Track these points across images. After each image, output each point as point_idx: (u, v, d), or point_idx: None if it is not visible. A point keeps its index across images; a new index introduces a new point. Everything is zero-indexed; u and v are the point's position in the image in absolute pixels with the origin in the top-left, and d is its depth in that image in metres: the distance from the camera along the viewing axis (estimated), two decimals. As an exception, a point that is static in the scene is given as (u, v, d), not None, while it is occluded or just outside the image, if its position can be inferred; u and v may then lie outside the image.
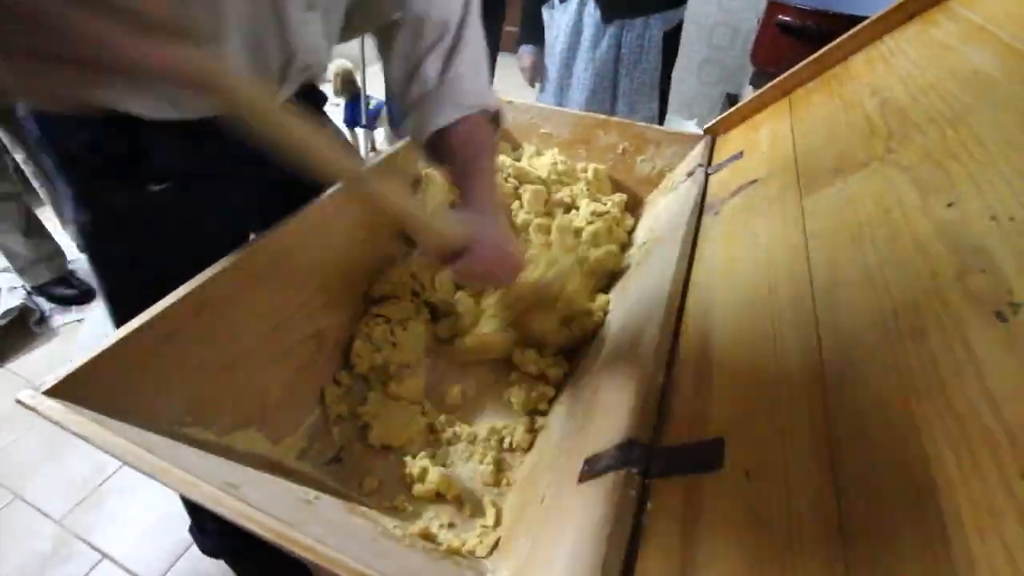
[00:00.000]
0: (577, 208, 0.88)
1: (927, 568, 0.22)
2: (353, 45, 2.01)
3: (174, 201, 0.60)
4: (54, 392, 0.41)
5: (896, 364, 0.31)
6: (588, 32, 1.39)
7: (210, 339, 0.52)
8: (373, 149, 2.38)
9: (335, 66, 2.16)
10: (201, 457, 0.45)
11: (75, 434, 0.38)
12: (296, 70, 0.57)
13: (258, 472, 0.48)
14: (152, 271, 0.53)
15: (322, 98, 0.72)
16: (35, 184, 1.63)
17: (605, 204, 0.88)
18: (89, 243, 0.62)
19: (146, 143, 0.55)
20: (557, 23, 1.46)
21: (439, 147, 0.61)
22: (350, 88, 2.21)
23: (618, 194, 0.93)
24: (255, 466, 0.50)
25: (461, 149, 0.60)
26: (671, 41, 1.44)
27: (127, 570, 1.03)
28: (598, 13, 1.35)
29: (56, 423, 0.39)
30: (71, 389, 0.42)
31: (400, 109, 0.64)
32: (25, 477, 1.18)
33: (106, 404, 0.42)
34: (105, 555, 1.05)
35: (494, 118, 0.65)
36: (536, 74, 1.62)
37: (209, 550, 0.92)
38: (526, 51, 1.60)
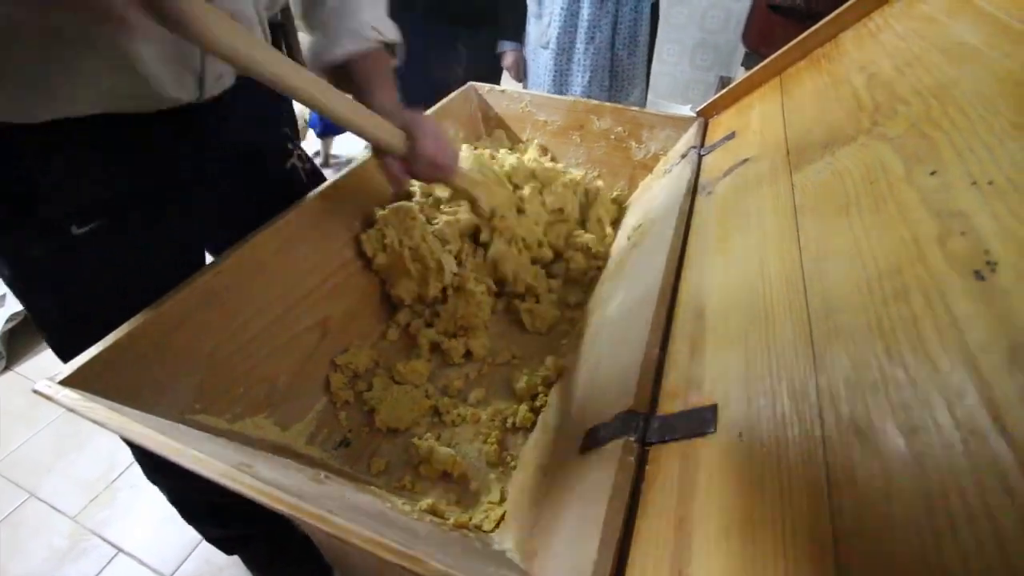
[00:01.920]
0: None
1: (916, 522, 0.23)
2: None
3: (103, 245, 0.51)
4: (69, 382, 0.42)
5: (880, 324, 0.32)
6: (586, 12, 1.38)
7: (218, 328, 0.53)
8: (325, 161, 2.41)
9: None
10: (213, 441, 0.47)
11: (91, 420, 0.40)
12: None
13: (269, 455, 0.49)
14: (98, 325, 0.45)
15: None
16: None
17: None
18: (18, 297, 0.54)
19: (35, 170, 0.45)
20: (549, 9, 1.45)
21: (341, 76, 0.61)
22: None
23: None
24: (265, 451, 0.51)
25: (363, 83, 0.61)
26: (655, 12, 1.47)
27: (142, 563, 1.05)
28: None
29: (72, 411, 0.40)
30: (85, 378, 0.43)
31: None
32: (39, 475, 1.20)
33: (119, 392, 0.44)
34: (120, 549, 1.07)
35: (391, 48, 0.65)
36: (521, 72, 1.59)
37: (211, 537, 0.92)
38: (509, 48, 1.54)
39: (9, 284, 0.53)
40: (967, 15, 0.52)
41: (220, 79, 0.55)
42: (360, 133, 0.56)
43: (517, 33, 1.53)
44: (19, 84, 0.42)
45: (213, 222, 0.62)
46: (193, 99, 0.52)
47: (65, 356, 0.51)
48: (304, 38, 0.67)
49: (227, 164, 0.58)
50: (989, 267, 0.29)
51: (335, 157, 2.46)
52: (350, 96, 0.57)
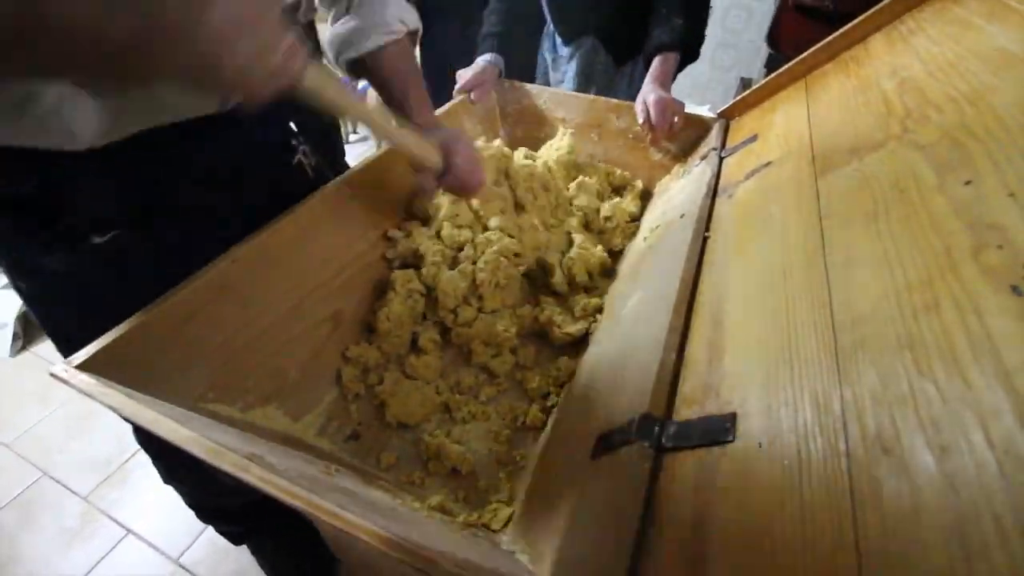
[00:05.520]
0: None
1: (946, 536, 0.22)
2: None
3: (123, 255, 0.50)
4: (85, 366, 0.42)
5: (909, 338, 0.31)
6: (600, 80, 1.18)
7: (231, 319, 0.53)
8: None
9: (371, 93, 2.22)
10: (225, 430, 0.47)
11: (106, 405, 0.40)
12: None
13: (280, 446, 0.49)
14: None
15: None
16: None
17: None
18: (33, 310, 0.53)
19: (62, 181, 0.45)
20: (563, 71, 1.25)
21: (367, 69, 0.65)
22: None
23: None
24: (276, 442, 0.51)
25: (393, 73, 0.64)
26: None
27: (151, 545, 1.06)
28: (609, 58, 1.16)
29: (88, 395, 0.41)
30: (101, 364, 0.43)
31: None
32: (52, 455, 1.22)
33: (134, 379, 0.44)
34: (130, 531, 1.09)
35: (412, 34, 0.67)
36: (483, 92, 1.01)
37: (220, 531, 0.93)
38: (486, 62, 1.01)
39: (26, 298, 0.53)
40: (1007, 21, 0.50)
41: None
42: (405, 151, 0.59)
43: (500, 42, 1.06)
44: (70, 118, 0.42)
45: (223, 222, 0.59)
46: (212, 112, 0.52)
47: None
48: (322, 30, 0.68)
49: (236, 164, 0.57)
50: (1027, 282, 0.28)
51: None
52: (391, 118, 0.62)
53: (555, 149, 0.93)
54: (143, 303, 0.47)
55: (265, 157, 0.60)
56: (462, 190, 0.66)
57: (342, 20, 0.64)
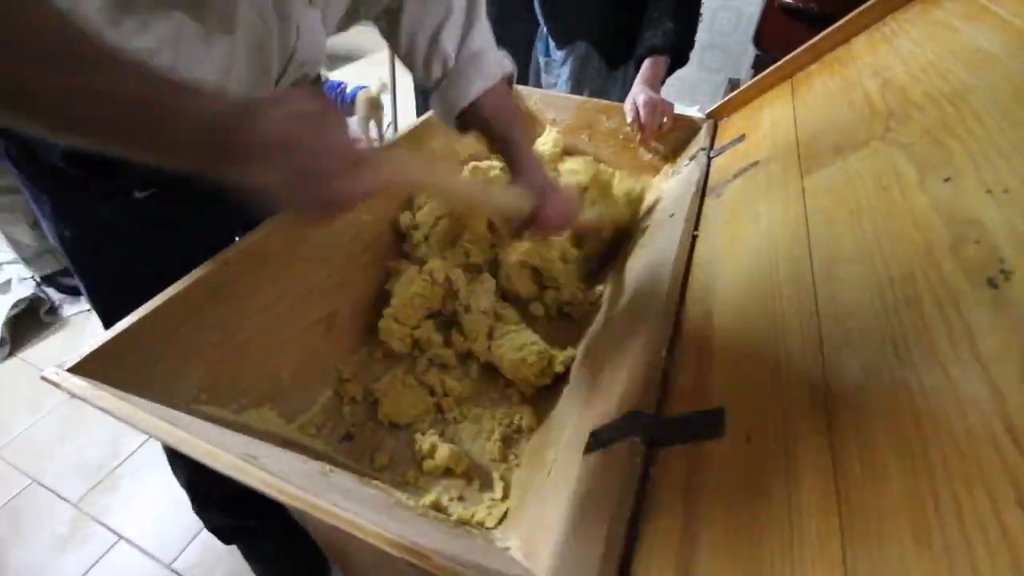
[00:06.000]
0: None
1: (915, 512, 0.23)
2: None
3: (160, 207, 0.57)
4: (77, 369, 0.42)
5: (891, 331, 0.32)
6: (593, 84, 1.21)
7: (225, 320, 0.53)
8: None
9: (362, 93, 2.21)
10: (219, 432, 0.47)
11: (99, 408, 0.40)
12: (294, 67, 0.56)
13: (275, 447, 0.49)
14: (142, 280, 0.50)
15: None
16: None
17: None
18: (75, 258, 0.60)
19: None
20: (556, 74, 1.26)
21: (470, 118, 0.66)
22: (375, 112, 2.28)
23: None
24: (270, 443, 0.51)
25: (494, 119, 0.65)
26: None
27: (143, 551, 1.05)
28: (603, 63, 1.18)
29: (80, 398, 0.40)
30: (93, 367, 0.43)
31: (423, 88, 0.70)
32: (42, 462, 1.21)
33: (126, 382, 0.44)
34: (121, 536, 1.08)
35: (509, 79, 0.69)
36: None
37: (211, 526, 0.92)
38: None
39: (70, 246, 0.58)
40: (985, 22, 0.52)
41: (302, 67, 0.57)
42: (489, 214, 0.64)
43: None
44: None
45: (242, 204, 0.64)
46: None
47: (114, 319, 0.55)
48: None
49: None
50: (1003, 275, 0.29)
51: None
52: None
53: (541, 144, 0.94)
54: (169, 253, 0.54)
55: None
56: (547, 234, 0.67)
57: (441, 76, 0.65)
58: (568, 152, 0.97)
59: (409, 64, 0.65)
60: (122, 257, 0.58)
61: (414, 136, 0.81)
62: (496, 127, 0.65)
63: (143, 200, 0.56)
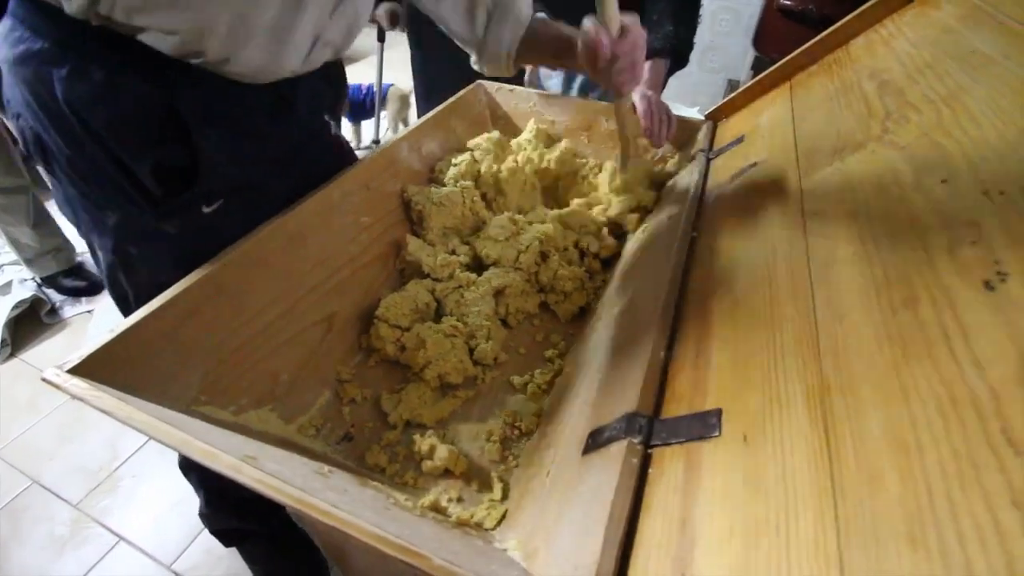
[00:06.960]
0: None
1: (911, 512, 0.23)
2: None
3: (223, 222, 0.58)
4: (78, 370, 0.43)
5: (887, 331, 0.32)
6: (592, 86, 1.21)
7: (224, 321, 0.54)
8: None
9: (393, 89, 2.30)
10: (219, 433, 0.47)
11: (99, 409, 0.40)
12: (319, 50, 0.59)
13: (274, 448, 0.50)
14: None
15: (342, 75, 0.72)
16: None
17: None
18: (129, 274, 0.59)
19: (201, 150, 0.54)
20: (556, 75, 1.27)
21: (527, 52, 0.76)
22: (407, 106, 2.38)
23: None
24: (269, 444, 0.51)
25: (548, 38, 0.75)
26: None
27: (143, 552, 1.05)
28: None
29: (80, 399, 0.41)
30: (93, 368, 0.43)
31: (473, 47, 0.78)
32: (42, 463, 1.21)
33: (126, 383, 0.44)
34: (121, 538, 1.08)
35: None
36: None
37: (216, 529, 0.93)
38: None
39: (130, 262, 0.59)
40: (982, 25, 0.52)
41: (325, 47, 0.60)
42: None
43: None
44: (269, 42, 0.53)
45: (279, 199, 0.66)
46: (293, 69, 0.58)
47: None
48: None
49: (293, 143, 0.64)
50: (999, 277, 0.29)
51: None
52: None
53: (524, 139, 0.95)
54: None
55: (311, 145, 0.67)
56: (621, 75, 0.68)
57: (487, 20, 0.74)
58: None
59: (454, 30, 0.75)
60: (179, 274, 0.56)
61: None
62: (551, 44, 0.74)
63: (209, 215, 0.58)
